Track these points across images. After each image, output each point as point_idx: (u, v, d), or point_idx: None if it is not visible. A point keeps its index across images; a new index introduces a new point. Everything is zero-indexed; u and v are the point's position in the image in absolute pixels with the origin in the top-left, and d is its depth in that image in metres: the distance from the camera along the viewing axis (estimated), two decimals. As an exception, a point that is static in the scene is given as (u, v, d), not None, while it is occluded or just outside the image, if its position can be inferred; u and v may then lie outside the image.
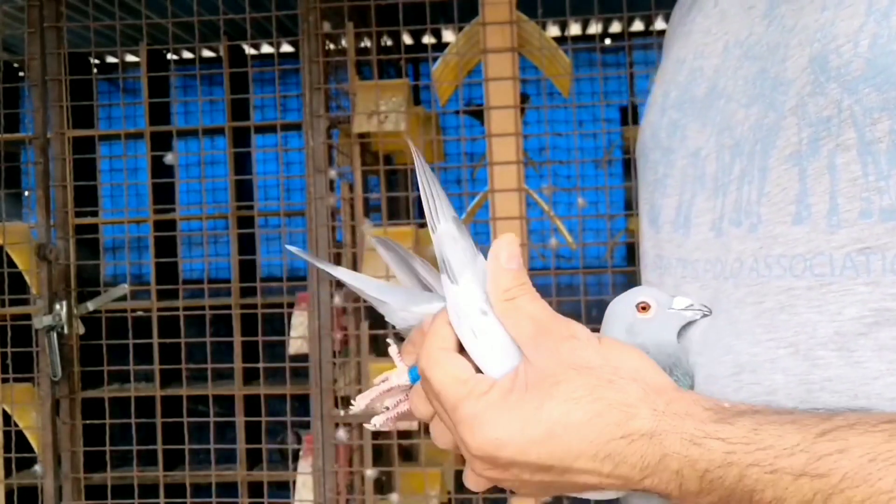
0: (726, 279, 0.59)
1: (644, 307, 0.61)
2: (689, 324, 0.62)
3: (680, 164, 0.66)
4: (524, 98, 2.86)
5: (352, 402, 0.65)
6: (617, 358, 0.54)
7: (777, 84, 0.58)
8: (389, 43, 3.29)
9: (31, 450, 2.71)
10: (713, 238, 0.61)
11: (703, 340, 0.61)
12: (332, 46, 2.64)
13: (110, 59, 3.68)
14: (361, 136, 2.59)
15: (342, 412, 2.47)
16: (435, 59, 2.62)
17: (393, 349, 0.64)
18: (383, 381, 0.63)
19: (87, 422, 2.68)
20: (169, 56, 3.55)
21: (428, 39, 3.35)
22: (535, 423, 0.52)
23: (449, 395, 0.55)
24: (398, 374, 0.63)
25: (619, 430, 0.51)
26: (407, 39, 3.70)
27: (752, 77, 0.61)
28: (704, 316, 0.60)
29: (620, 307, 0.62)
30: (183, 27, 3.00)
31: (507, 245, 0.57)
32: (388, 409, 0.64)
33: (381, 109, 2.50)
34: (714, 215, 0.61)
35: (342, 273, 0.65)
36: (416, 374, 0.61)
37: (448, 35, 3.46)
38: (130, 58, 3.65)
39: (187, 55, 3.89)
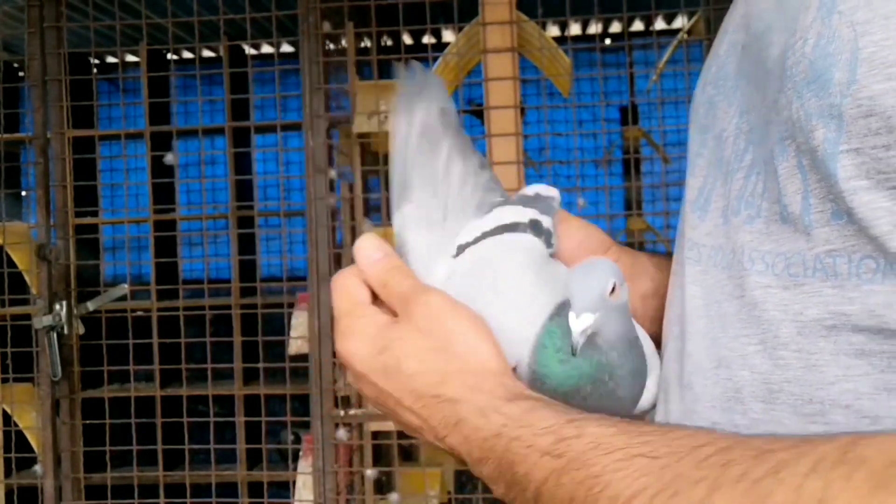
0: (723, 269, 0.59)
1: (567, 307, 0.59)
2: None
3: (710, 144, 0.64)
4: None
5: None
6: (458, 331, 0.62)
7: (766, 71, 0.56)
8: (389, 43, 3.29)
9: (31, 450, 2.71)
10: (721, 225, 0.60)
11: (699, 330, 0.60)
12: (332, 46, 2.64)
13: (110, 59, 3.68)
14: (361, 136, 2.59)
15: (342, 412, 2.47)
16: (435, 59, 2.62)
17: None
18: None
19: (87, 422, 2.68)
20: (169, 56, 3.55)
21: (428, 39, 3.34)
22: (376, 359, 0.63)
23: (340, 307, 0.67)
24: None
25: (432, 391, 0.60)
26: (407, 39, 3.70)
27: (761, 55, 0.58)
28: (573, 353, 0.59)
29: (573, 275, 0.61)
30: (183, 27, 3.00)
31: (366, 243, 0.68)
32: None
33: (381, 109, 2.50)
34: (724, 202, 0.60)
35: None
36: None
37: (448, 35, 3.46)
38: (130, 58, 3.65)
39: (187, 55, 3.89)
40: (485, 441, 0.56)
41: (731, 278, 0.58)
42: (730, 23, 0.67)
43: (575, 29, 3.72)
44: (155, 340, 2.73)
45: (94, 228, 3.02)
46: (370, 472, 2.54)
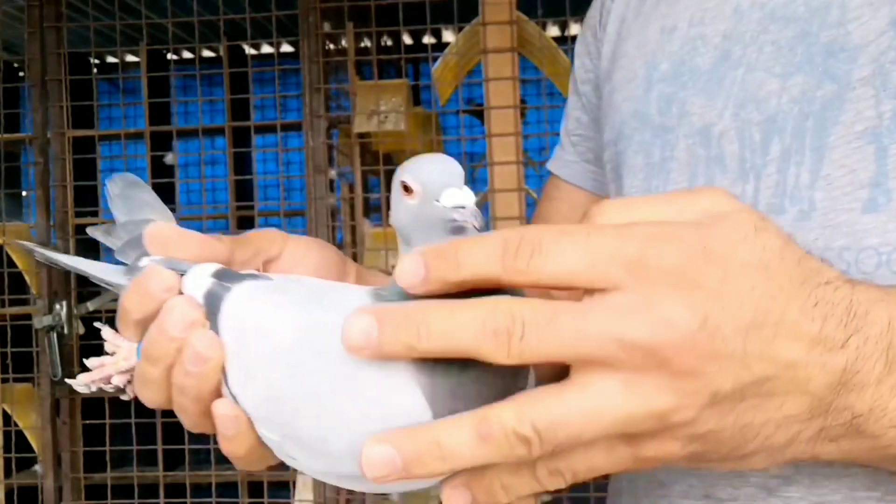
0: None
1: (406, 188, 0.44)
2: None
3: (683, 143, 0.58)
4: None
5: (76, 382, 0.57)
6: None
7: (834, 50, 0.50)
8: (389, 43, 3.29)
9: (31, 450, 2.71)
10: None
11: None
12: (332, 46, 2.64)
13: (110, 59, 3.68)
14: (361, 136, 2.59)
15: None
16: (435, 59, 2.62)
17: (107, 331, 0.56)
18: (106, 364, 0.56)
19: (87, 422, 2.68)
20: (169, 56, 3.55)
21: (428, 39, 3.35)
22: (736, 265, 0.38)
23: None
24: (127, 356, 0.55)
25: (821, 276, 0.39)
26: (407, 39, 3.70)
27: (787, 42, 0.53)
28: (476, 229, 0.41)
29: (396, 176, 0.45)
30: (183, 27, 3.00)
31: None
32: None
33: (381, 109, 2.50)
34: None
35: (66, 260, 0.59)
36: None
37: (448, 35, 3.46)
38: (130, 58, 3.65)
39: (187, 55, 3.89)
40: None
41: None
42: (675, 20, 0.62)
43: (575, 29, 3.71)
44: (155, 340, 2.73)
45: (94, 228, 3.02)
46: (370, 472, 2.53)
